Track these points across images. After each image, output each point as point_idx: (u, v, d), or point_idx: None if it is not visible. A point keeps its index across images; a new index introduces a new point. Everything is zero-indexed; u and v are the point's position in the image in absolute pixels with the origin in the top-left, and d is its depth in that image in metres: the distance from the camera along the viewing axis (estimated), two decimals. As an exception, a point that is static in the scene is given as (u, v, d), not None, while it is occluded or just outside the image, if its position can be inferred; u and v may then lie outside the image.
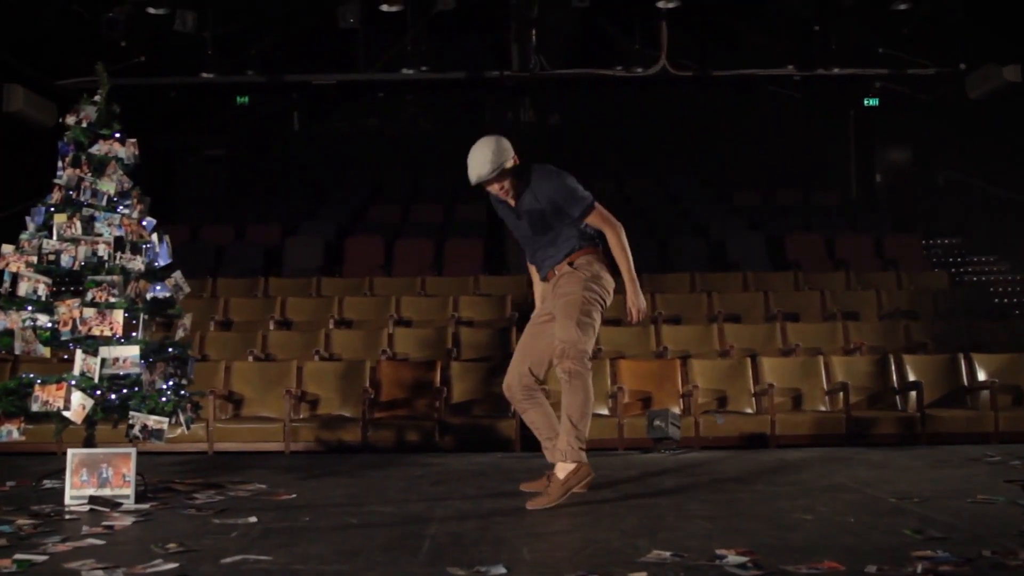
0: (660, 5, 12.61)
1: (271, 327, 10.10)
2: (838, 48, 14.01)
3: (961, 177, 14.97)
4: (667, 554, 3.63)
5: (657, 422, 7.45)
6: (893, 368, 8.74)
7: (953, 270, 13.00)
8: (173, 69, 14.35)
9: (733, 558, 3.54)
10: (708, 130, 16.96)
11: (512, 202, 5.13)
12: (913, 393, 8.42)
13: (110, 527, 4.44)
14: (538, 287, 5.40)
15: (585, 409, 5.00)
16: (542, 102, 17.13)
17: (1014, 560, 3.46)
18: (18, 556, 3.76)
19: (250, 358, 9.13)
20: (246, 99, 16.43)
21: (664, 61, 13.93)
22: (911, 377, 8.62)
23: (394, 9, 12.58)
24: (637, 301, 5.13)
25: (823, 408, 8.54)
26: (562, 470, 4.90)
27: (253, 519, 4.53)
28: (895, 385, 8.65)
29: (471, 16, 13.98)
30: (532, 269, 5.44)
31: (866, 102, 15.95)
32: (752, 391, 8.58)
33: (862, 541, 3.84)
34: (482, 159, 5.02)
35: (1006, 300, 11.90)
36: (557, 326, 5.03)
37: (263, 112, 17.16)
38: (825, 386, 8.63)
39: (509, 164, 5.07)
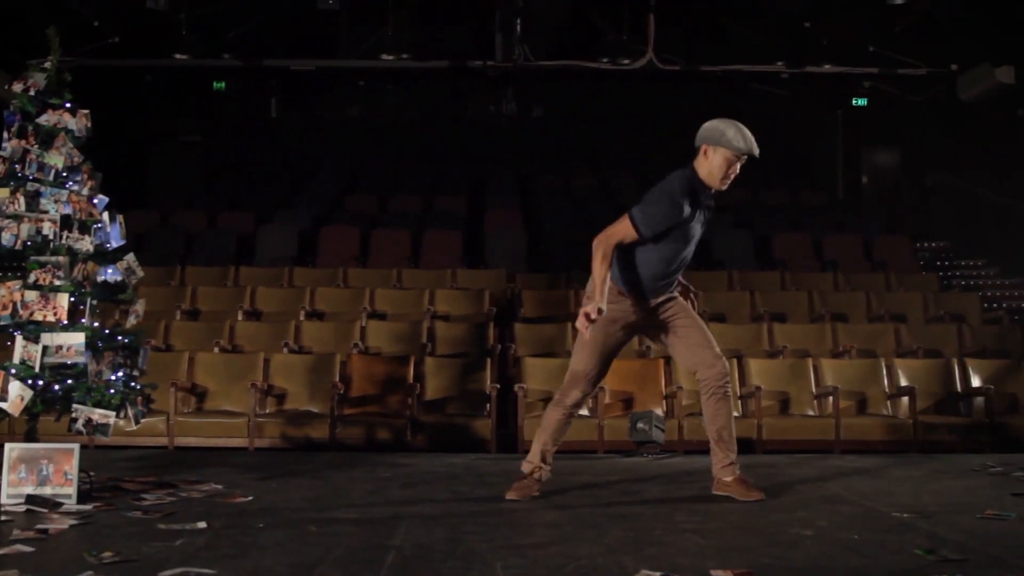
0: (648, -4, 12.30)
1: (240, 317, 9.71)
2: (828, 46, 13.74)
3: (950, 180, 14.72)
4: (657, 574, 3.27)
5: (640, 424, 7.10)
6: (884, 372, 8.43)
7: (941, 273, 12.73)
8: (148, 52, 13.94)
9: (730, 581, 3.18)
10: (694, 126, 16.58)
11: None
12: (905, 399, 8.10)
13: (44, 531, 4.05)
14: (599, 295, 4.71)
15: None
16: (525, 94, 16.82)
17: (1042, 588, 3.13)
18: (-67, 564, 3.37)
19: (216, 349, 8.75)
20: (223, 85, 16.03)
21: (651, 54, 13.62)
22: (903, 382, 8.30)
23: (375, -8, 12.21)
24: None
25: (812, 412, 8.22)
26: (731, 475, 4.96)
27: (202, 524, 4.15)
28: (887, 390, 8.33)
29: (455, 4, 13.64)
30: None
31: (855, 102, 15.69)
32: (738, 393, 8.24)
33: (870, 562, 3.49)
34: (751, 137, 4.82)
35: (995, 305, 11.62)
36: (704, 343, 4.95)
37: (241, 98, 16.80)
38: (814, 390, 8.31)
39: None
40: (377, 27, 13.88)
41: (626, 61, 13.58)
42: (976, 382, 8.34)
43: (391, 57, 13.60)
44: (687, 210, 4.69)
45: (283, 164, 16.64)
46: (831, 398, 8.01)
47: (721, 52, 14.58)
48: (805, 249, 12.60)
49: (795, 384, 8.36)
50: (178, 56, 13.52)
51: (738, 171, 4.76)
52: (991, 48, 12.57)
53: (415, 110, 17.49)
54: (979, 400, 8.16)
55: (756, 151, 4.75)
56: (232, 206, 14.21)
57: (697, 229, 4.85)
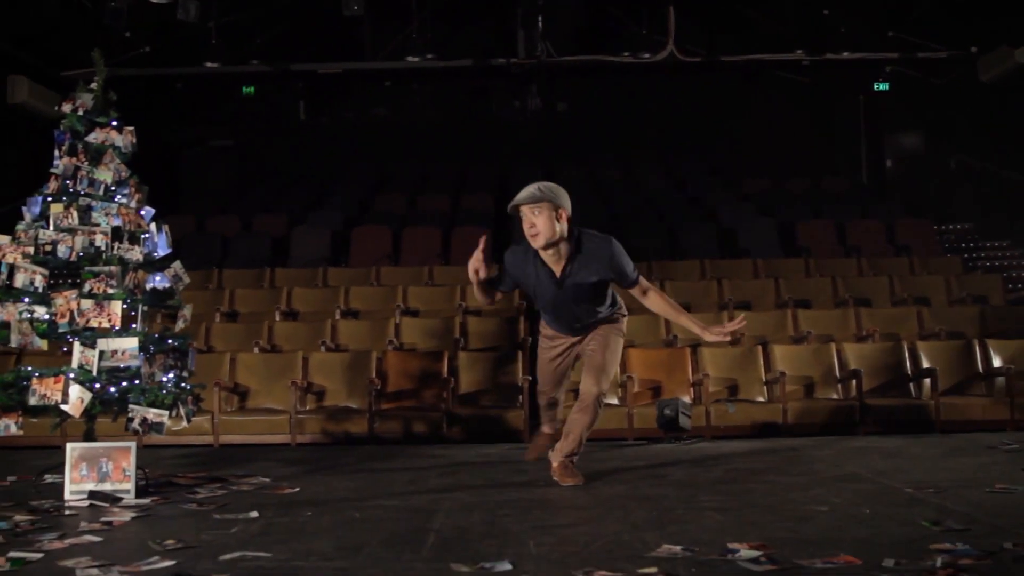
0: (667, -11, 12.48)
1: (277, 318, 10.01)
2: (847, 32, 13.86)
3: (973, 161, 14.81)
4: (677, 548, 3.52)
5: (667, 411, 7.34)
6: (907, 355, 8.62)
7: (966, 255, 12.85)
8: (178, 60, 14.28)
9: (746, 552, 3.43)
10: (717, 116, 16.83)
11: (556, 269, 5.03)
12: (927, 380, 8.29)
13: (109, 523, 4.35)
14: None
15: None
16: (549, 89, 16.98)
17: (1037, 553, 3.35)
18: (13, 554, 3.67)
19: (256, 349, 9.05)
20: (252, 89, 16.34)
21: (672, 47, 13.80)
22: (925, 364, 8.49)
23: (398, -5, 12.48)
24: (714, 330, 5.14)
25: (836, 396, 8.42)
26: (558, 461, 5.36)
27: (254, 514, 4.44)
28: (909, 372, 8.52)
29: (477, 3, 13.86)
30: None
31: (876, 87, 15.80)
32: (764, 379, 8.47)
33: (878, 533, 3.73)
34: (532, 188, 4.94)
35: (1020, 285, 11.75)
36: (591, 369, 5.31)
37: (269, 102, 17.08)
38: (838, 373, 8.51)
39: (557, 205, 4.90)
40: (401, 28, 14.16)
41: (647, 55, 13.77)
42: (997, 362, 8.51)
43: (416, 59, 13.87)
44: (515, 273, 5.17)
45: (313, 166, 16.93)
46: (854, 381, 8.22)
47: (741, 42, 14.73)
48: (828, 235, 12.75)
49: (819, 368, 8.56)
50: (209, 65, 13.86)
51: (532, 221, 4.90)
52: (1010, 29, 12.67)
53: (440, 109, 17.73)
54: (1000, 380, 8.33)
55: (517, 201, 4.94)
56: (265, 209, 14.52)
57: (547, 286, 5.08)
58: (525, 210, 4.90)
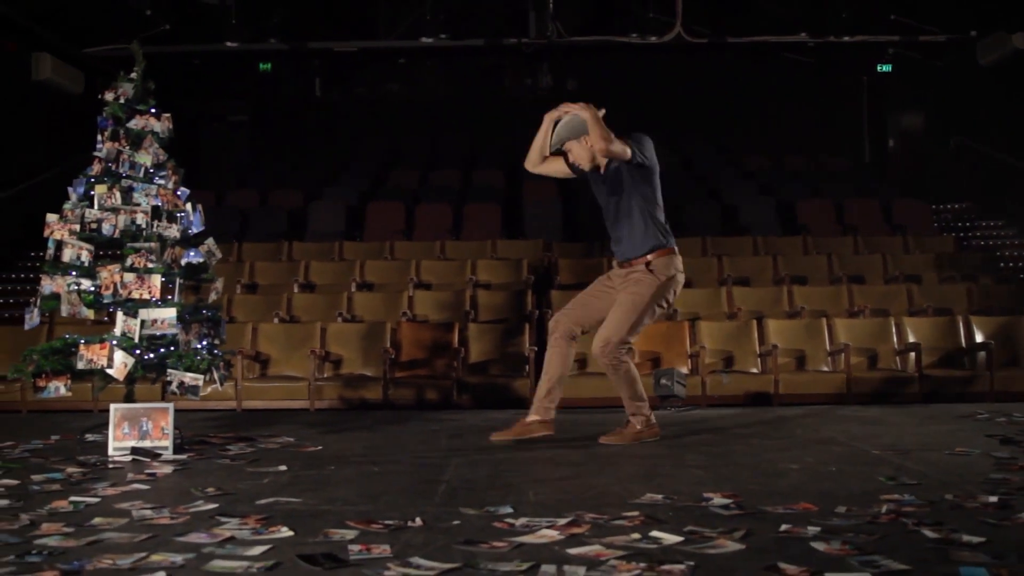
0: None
1: (295, 290, 10.48)
2: (850, 15, 14.19)
3: (971, 143, 15.16)
4: (659, 497, 4.00)
5: (663, 380, 7.79)
6: (894, 330, 9.06)
7: (961, 234, 13.25)
8: (197, 37, 14.68)
9: (718, 500, 3.90)
10: (722, 96, 17.16)
11: (601, 167, 5.71)
12: (912, 354, 8.74)
13: (152, 474, 4.84)
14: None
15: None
16: (560, 68, 17.36)
17: (972, 503, 3.80)
18: (73, 498, 4.16)
19: (275, 320, 9.53)
20: (269, 66, 16.75)
21: (679, 28, 14.16)
22: (911, 339, 8.94)
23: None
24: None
25: (825, 368, 8.88)
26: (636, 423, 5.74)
27: (283, 467, 4.93)
28: (895, 346, 8.97)
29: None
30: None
31: (879, 68, 16.15)
32: (757, 352, 8.93)
33: (839, 487, 4.20)
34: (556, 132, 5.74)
35: (1011, 264, 12.15)
36: (611, 315, 5.58)
37: (286, 79, 17.49)
38: (828, 347, 8.96)
39: (577, 137, 5.70)
40: (415, 7, 14.53)
41: (653, 38, 14.13)
42: (979, 337, 8.95)
43: (429, 39, 14.25)
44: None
45: (328, 142, 17.31)
46: (843, 355, 8.67)
47: (747, 23, 15.05)
48: (827, 214, 13.16)
49: (811, 342, 9.01)
50: (228, 44, 14.25)
51: (573, 159, 5.78)
52: (1008, 15, 13.00)
53: (453, 86, 18.06)
54: (981, 354, 8.78)
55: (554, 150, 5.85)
56: (282, 184, 14.94)
57: (598, 188, 5.76)
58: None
